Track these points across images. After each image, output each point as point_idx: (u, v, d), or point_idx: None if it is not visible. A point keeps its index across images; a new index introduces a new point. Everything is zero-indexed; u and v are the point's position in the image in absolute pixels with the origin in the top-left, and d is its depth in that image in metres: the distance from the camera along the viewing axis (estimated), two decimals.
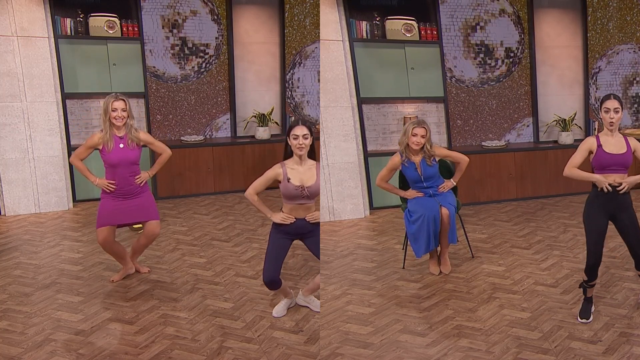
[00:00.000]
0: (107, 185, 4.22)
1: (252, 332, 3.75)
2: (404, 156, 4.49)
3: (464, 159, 4.64)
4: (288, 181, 3.68)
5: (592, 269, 3.81)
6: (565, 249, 5.13)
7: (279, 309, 3.96)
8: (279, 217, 3.75)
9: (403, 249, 4.89)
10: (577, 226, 5.71)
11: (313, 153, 3.76)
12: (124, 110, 4.16)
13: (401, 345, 3.65)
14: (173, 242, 5.31)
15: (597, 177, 3.72)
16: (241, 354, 3.52)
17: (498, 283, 4.45)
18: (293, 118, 7.28)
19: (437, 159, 4.55)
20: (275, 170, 3.73)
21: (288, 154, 3.76)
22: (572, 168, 3.77)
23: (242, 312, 4.00)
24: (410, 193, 4.63)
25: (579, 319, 3.87)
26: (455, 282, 4.49)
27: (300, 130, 3.65)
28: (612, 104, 3.70)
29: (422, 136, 4.42)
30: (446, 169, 4.92)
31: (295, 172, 3.71)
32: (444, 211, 4.50)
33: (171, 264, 4.81)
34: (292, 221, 3.75)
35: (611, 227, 3.89)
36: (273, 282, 3.78)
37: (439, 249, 4.71)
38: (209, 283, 4.45)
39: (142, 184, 4.31)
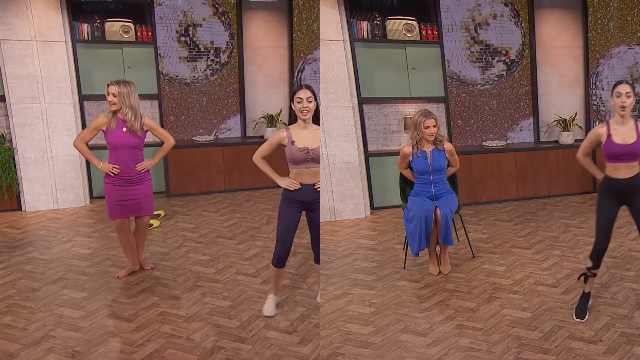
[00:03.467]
0: (111, 169, 4.04)
1: (246, 332, 3.53)
2: (415, 148, 4.28)
3: (457, 165, 4.48)
4: (292, 144, 3.45)
5: (599, 255, 3.59)
6: (566, 248, 4.85)
7: (270, 308, 3.73)
8: (285, 182, 3.52)
9: (404, 249, 4.63)
10: (577, 226, 5.43)
11: (317, 118, 3.54)
12: (115, 96, 3.96)
13: (402, 345, 3.42)
14: (180, 239, 5.12)
15: (598, 176, 3.74)
16: (233, 354, 3.30)
17: (499, 283, 4.20)
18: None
19: (446, 154, 4.33)
20: (280, 135, 3.50)
21: (292, 120, 3.53)
22: (584, 156, 3.77)
23: (238, 311, 3.77)
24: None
25: (575, 318, 3.64)
26: (456, 282, 4.23)
27: (304, 94, 3.41)
28: (623, 88, 3.48)
29: (434, 126, 4.23)
30: None
31: (300, 136, 3.47)
32: (437, 212, 4.24)
33: (175, 261, 4.61)
34: (298, 187, 3.51)
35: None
36: (283, 257, 3.61)
37: (438, 249, 4.43)
38: (209, 281, 4.24)
39: (143, 170, 4.11)
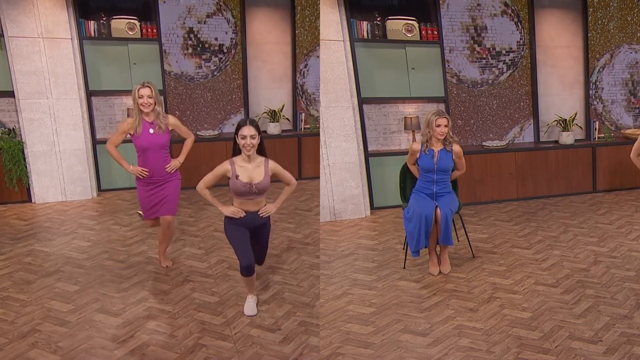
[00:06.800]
0: (140, 172, 3.98)
1: (230, 329, 3.38)
2: (425, 146, 4.11)
3: (464, 169, 4.31)
4: (236, 178, 3.36)
5: None
6: (566, 248, 4.64)
7: (251, 307, 3.57)
8: (229, 211, 3.43)
9: (404, 249, 4.46)
10: (577, 226, 5.20)
11: (262, 150, 3.44)
12: (150, 97, 3.90)
13: (402, 345, 3.28)
14: (178, 232, 5.00)
15: None
16: (214, 353, 3.16)
17: (499, 283, 4.02)
18: (303, 114, 6.87)
19: (453, 156, 4.14)
20: (224, 167, 3.41)
21: (237, 151, 3.43)
22: (637, 156, 3.69)
23: (225, 307, 3.63)
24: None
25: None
26: (456, 282, 4.06)
27: (248, 131, 3.33)
28: None
29: (446, 125, 4.05)
30: None
31: (244, 169, 3.39)
32: (437, 212, 4.06)
33: (170, 255, 4.48)
34: (242, 215, 3.42)
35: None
36: (251, 266, 3.43)
37: (438, 249, 4.25)
38: (200, 275, 4.11)
39: (172, 171, 4.06)
